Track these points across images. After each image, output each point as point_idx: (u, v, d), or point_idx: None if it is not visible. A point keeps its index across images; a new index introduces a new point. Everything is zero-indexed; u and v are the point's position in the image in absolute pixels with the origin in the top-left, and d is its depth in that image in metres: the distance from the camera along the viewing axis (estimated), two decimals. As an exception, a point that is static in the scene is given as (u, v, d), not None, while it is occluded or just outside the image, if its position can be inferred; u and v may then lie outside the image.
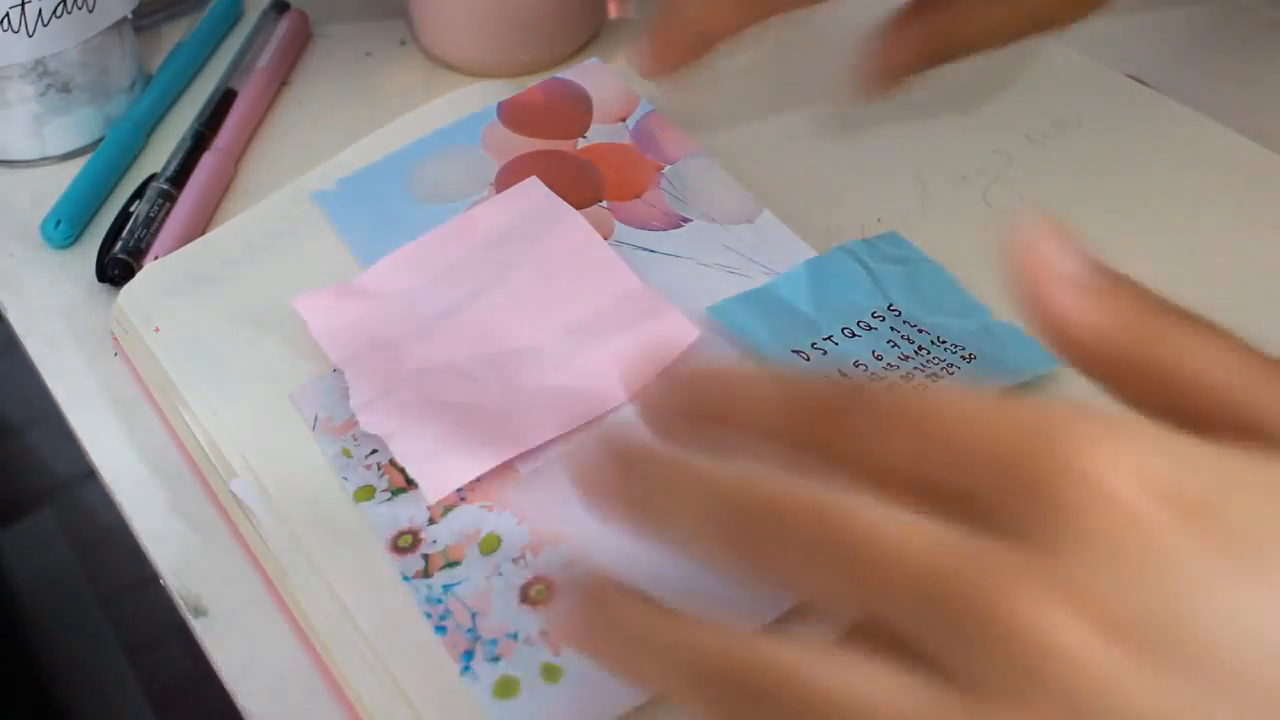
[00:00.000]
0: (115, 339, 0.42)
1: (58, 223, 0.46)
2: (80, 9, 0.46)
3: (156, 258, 0.43)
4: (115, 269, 0.44)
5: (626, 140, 0.44)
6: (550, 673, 0.30)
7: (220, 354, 0.38)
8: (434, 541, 0.33)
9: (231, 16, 0.56)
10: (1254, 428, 0.22)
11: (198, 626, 0.35)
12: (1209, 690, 0.18)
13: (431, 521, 0.34)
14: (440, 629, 0.31)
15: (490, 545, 0.33)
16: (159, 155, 0.49)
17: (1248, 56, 0.50)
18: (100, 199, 0.48)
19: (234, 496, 0.35)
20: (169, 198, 0.46)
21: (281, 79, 0.53)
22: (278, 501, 0.34)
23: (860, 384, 0.23)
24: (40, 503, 1.07)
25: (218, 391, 0.37)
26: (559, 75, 0.46)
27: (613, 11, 0.56)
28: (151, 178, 0.47)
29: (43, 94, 0.48)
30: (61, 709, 0.95)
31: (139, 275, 0.41)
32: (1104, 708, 0.18)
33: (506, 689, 0.30)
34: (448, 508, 0.34)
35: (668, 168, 0.43)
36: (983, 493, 0.20)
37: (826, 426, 0.22)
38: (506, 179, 0.42)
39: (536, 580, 0.32)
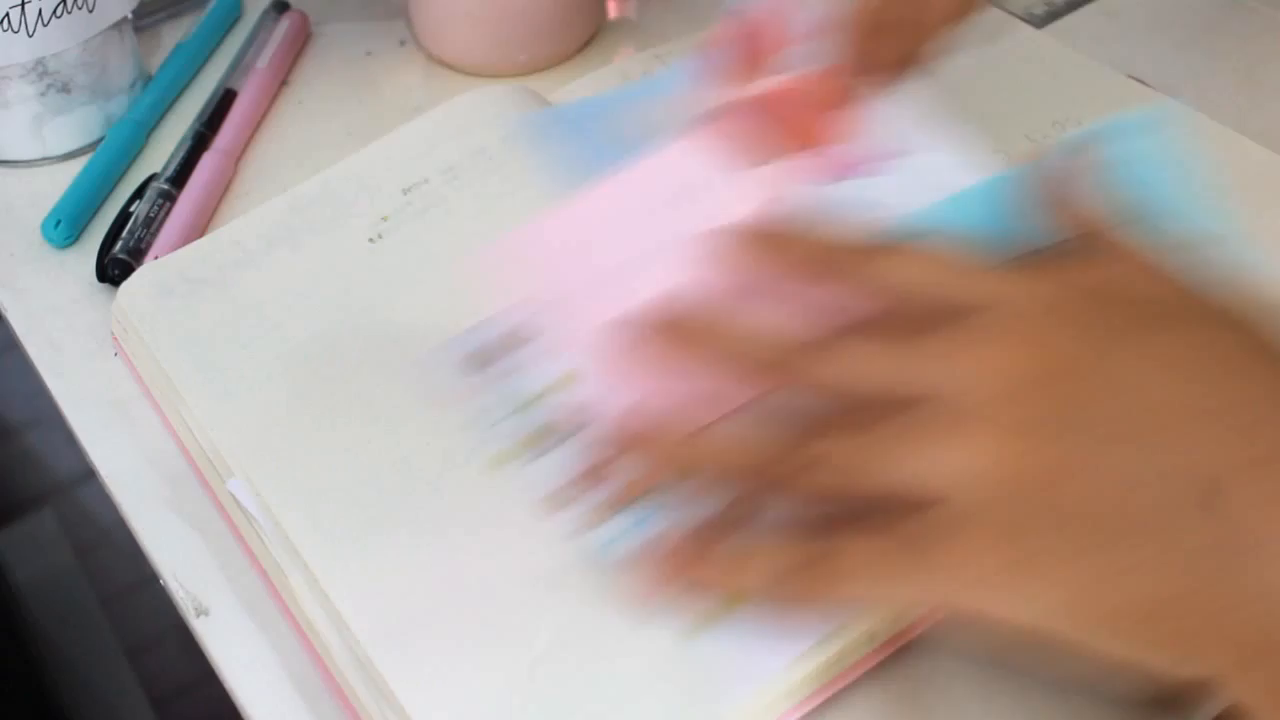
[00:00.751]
0: (115, 339, 0.42)
1: (58, 223, 0.46)
2: (80, 9, 0.46)
3: (156, 258, 0.43)
4: (115, 269, 0.44)
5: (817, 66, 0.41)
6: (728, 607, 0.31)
7: (219, 355, 0.38)
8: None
9: (231, 16, 0.56)
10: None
11: (198, 626, 0.35)
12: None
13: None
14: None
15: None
16: (159, 155, 0.49)
17: (1248, 56, 0.50)
18: (100, 199, 0.48)
19: (231, 496, 0.35)
20: (169, 198, 0.46)
21: (281, 79, 0.53)
22: (275, 503, 0.34)
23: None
24: (40, 503, 1.07)
25: (217, 392, 0.37)
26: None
27: (613, 12, 0.56)
28: (151, 178, 0.47)
29: (43, 94, 0.48)
30: (61, 709, 0.95)
31: (135, 275, 0.41)
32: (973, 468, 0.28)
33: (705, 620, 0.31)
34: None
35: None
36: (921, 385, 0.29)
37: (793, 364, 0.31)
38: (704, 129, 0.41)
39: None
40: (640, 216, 0.40)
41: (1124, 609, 0.26)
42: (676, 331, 0.33)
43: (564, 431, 0.35)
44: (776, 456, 0.30)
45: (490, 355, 0.37)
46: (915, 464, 0.28)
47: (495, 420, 0.36)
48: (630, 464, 0.32)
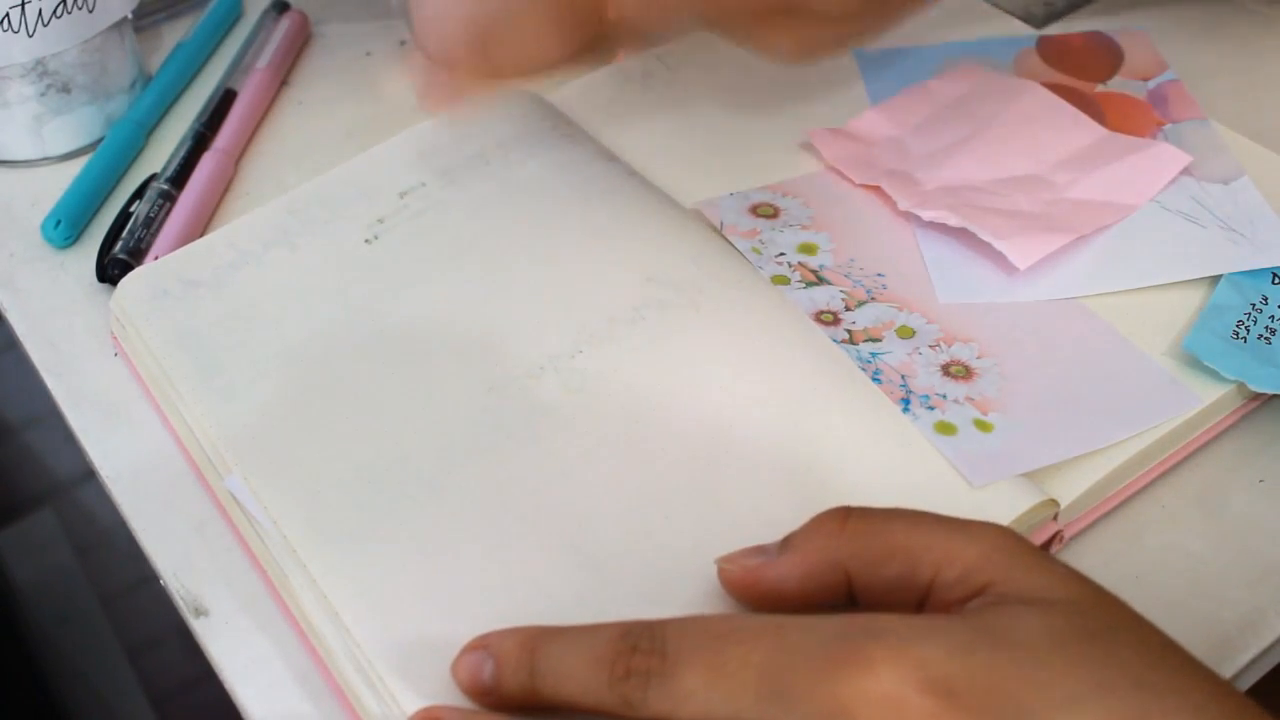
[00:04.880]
0: (115, 339, 0.42)
1: (58, 223, 0.46)
2: (80, 9, 0.46)
3: (157, 258, 0.43)
4: (115, 269, 0.44)
5: (1141, 96, 0.47)
6: (982, 425, 0.35)
7: (218, 353, 0.38)
8: (854, 322, 0.39)
9: (231, 16, 0.56)
10: (951, 571, 0.27)
11: (198, 626, 0.35)
12: None
13: (847, 309, 0.39)
14: (876, 379, 0.36)
15: (906, 333, 0.38)
16: (159, 155, 0.49)
17: (1248, 56, 0.50)
18: (100, 199, 0.48)
19: (230, 496, 0.35)
20: (169, 198, 0.46)
21: (281, 79, 0.53)
22: (273, 502, 0.34)
23: (649, 630, 0.27)
24: (40, 503, 1.07)
25: (215, 390, 0.37)
26: (1101, 30, 0.51)
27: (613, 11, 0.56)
28: (151, 178, 0.47)
29: (43, 94, 0.48)
30: (61, 709, 0.95)
31: (130, 276, 0.41)
32: None
33: (945, 429, 0.35)
34: (860, 302, 0.39)
35: (1169, 125, 0.46)
36: None
37: (631, 701, 0.26)
38: None
39: (955, 363, 0.37)
40: (937, 119, 0.46)
41: None
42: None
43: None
44: None
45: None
46: None
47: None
48: None
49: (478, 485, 0.34)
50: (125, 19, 0.49)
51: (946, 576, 0.27)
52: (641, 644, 0.27)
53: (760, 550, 0.30)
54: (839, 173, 0.45)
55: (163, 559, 0.36)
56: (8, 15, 0.45)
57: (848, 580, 0.28)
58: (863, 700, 0.24)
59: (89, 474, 0.39)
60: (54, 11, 0.46)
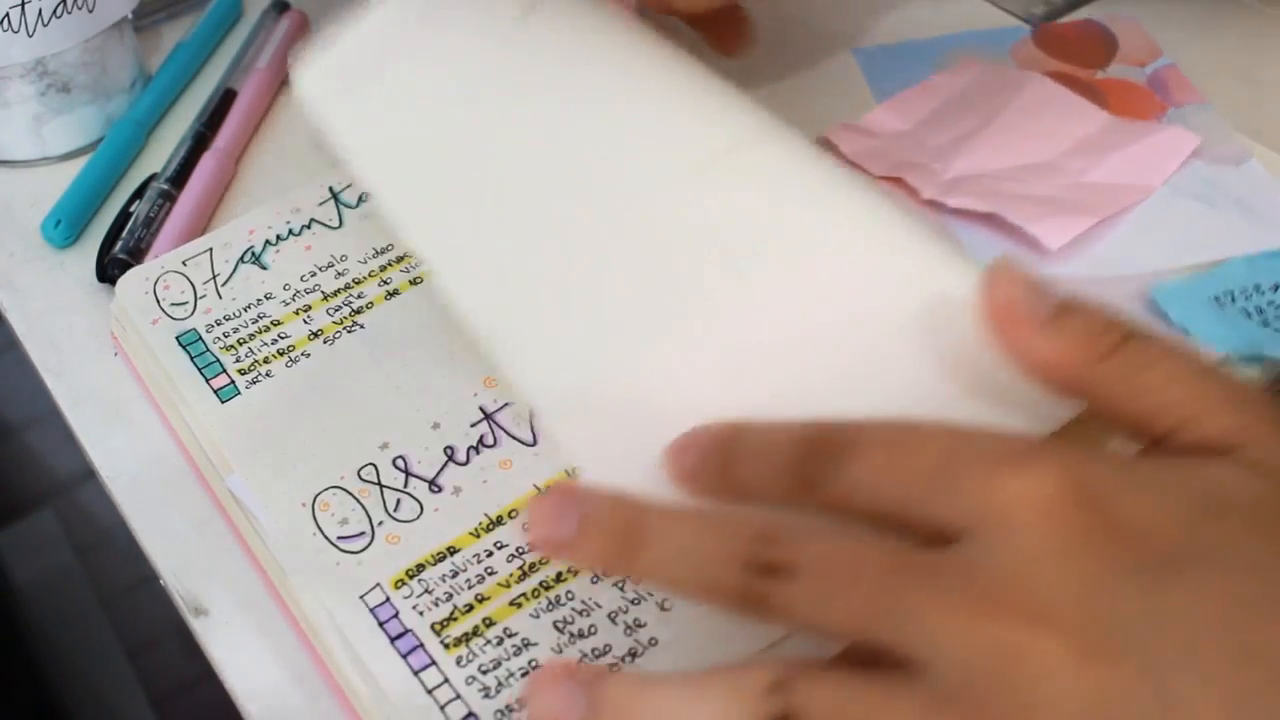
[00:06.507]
0: (115, 339, 0.42)
1: (58, 223, 0.46)
2: (80, 9, 0.46)
3: (157, 258, 0.43)
4: (115, 269, 0.44)
5: (1141, 82, 0.48)
6: None
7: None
8: None
9: (231, 16, 0.56)
10: (1196, 430, 0.25)
11: (198, 626, 0.35)
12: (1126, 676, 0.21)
13: None
14: None
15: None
16: (159, 155, 0.49)
17: (1248, 56, 0.50)
18: (100, 199, 0.48)
19: (231, 494, 0.35)
20: (169, 198, 0.46)
21: (281, 79, 0.53)
22: (273, 503, 0.34)
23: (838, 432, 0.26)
24: (40, 503, 1.07)
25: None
26: (1093, 18, 0.51)
27: (613, 11, 0.56)
28: (151, 178, 0.47)
29: (43, 94, 0.48)
30: (61, 709, 0.95)
31: (126, 276, 0.41)
32: (1040, 694, 0.21)
33: None
34: None
35: (1171, 109, 0.46)
36: (945, 515, 0.24)
37: (812, 481, 0.25)
38: None
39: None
40: (944, 111, 0.46)
41: None
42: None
43: None
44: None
45: None
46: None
47: None
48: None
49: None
50: (125, 19, 0.49)
51: (1183, 437, 0.25)
52: (829, 434, 0.26)
53: (1037, 293, 0.27)
54: (858, 166, 0.45)
55: (163, 559, 0.36)
56: (8, 15, 0.45)
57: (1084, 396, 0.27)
58: (1022, 501, 0.23)
59: (89, 474, 0.39)
60: (54, 11, 0.46)
